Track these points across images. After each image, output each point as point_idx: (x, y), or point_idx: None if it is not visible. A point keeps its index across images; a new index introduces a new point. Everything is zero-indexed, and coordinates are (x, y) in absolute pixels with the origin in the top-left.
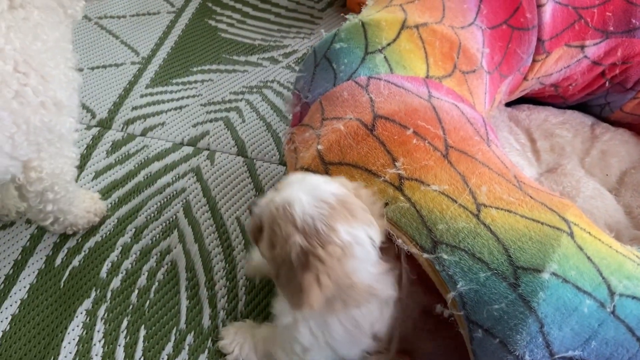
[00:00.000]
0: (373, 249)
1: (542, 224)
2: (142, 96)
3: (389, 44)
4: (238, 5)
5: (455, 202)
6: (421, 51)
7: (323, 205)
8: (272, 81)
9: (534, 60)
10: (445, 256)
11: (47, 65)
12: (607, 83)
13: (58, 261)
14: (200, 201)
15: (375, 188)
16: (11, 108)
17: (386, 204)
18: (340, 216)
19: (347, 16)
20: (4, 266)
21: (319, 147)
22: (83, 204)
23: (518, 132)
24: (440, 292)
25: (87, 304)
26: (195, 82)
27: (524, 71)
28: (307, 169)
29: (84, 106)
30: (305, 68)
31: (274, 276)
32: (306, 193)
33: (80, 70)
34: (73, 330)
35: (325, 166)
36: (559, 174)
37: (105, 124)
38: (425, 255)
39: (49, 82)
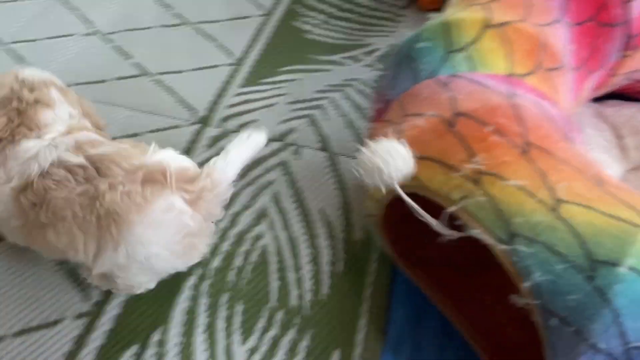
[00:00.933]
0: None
1: (620, 220)
2: (236, 95)
3: (471, 43)
4: (322, 7)
5: (534, 196)
6: (504, 49)
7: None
8: (354, 79)
9: (622, 56)
10: (522, 248)
11: None
12: None
13: None
14: (287, 192)
15: (454, 182)
16: None
17: (464, 197)
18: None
19: (429, 15)
20: None
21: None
22: None
23: (604, 129)
24: (516, 283)
25: (193, 279)
26: (283, 81)
27: (611, 67)
28: None
29: (186, 104)
30: (387, 67)
31: None
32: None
33: (182, 72)
34: (181, 302)
35: None
36: None
37: (204, 121)
38: (502, 247)
39: None
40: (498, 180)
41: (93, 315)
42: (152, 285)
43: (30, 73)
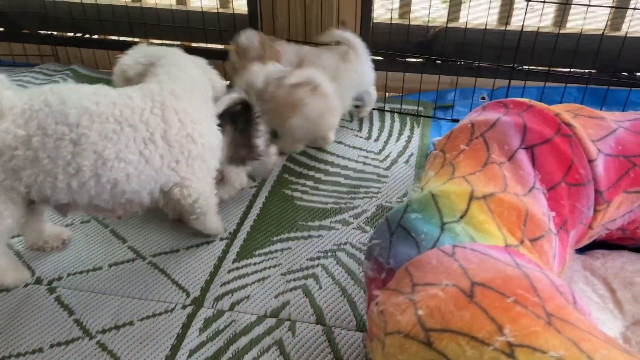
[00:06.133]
0: None
1: None
2: (229, 271)
3: (462, 216)
4: (311, 173)
5: None
6: (493, 221)
7: None
8: (345, 243)
9: (595, 211)
10: None
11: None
12: None
13: None
14: None
15: (487, 356)
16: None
17: None
18: None
19: (413, 187)
20: None
21: (420, 312)
22: None
23: (595, 282)
24: None
25: None
26: (276, 251)
27: (587, 222)
28: (407, 335)
29: (179, 286)
30: (379, 236)
31: None
32: None
33: (177, 251)
34: None
35: (426, 332)
36: None
37: (198, 302)
38: None
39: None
40: (533, 352)
41: None
42: None
43: None
